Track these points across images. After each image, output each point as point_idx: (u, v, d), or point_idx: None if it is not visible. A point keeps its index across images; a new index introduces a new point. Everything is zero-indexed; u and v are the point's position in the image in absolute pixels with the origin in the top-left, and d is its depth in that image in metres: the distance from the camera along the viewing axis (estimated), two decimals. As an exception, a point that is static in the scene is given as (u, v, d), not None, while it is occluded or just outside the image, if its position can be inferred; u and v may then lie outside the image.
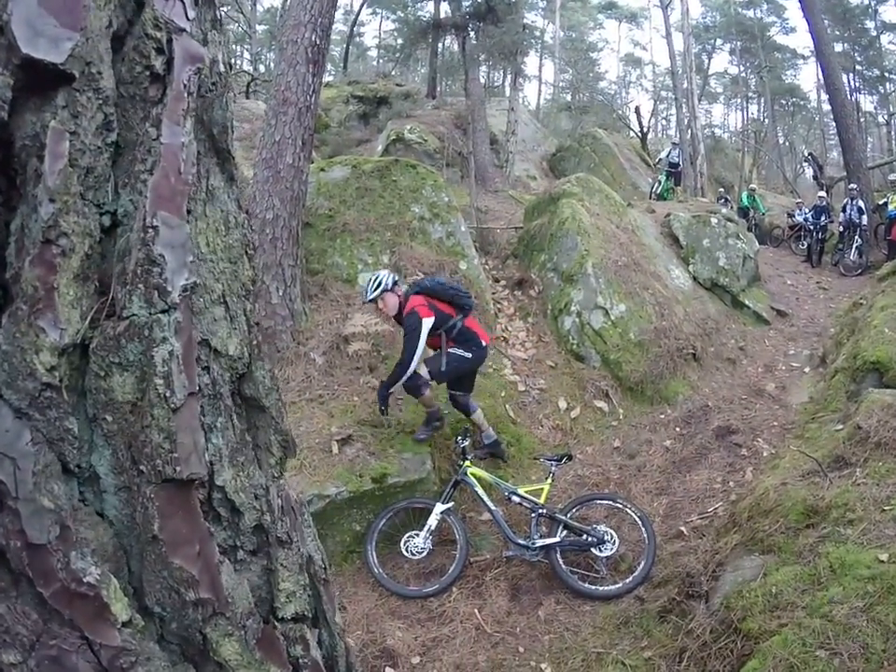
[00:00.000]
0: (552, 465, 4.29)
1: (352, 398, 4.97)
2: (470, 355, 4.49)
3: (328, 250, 6.29)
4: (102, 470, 0.79)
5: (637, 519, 4.10)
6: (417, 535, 4.11)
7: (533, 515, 4.11)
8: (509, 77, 18.38)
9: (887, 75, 30.49)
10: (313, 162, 8.15)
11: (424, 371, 4.37)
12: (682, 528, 4.34)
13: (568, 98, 31.76)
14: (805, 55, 27.37)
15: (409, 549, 4.12)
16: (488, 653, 3.52)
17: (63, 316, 0.72)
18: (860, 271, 11.32)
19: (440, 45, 17.03)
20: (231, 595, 0.87)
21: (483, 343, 4.60)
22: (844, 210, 12.31)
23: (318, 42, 5.82)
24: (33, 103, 0.72)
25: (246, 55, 29.28)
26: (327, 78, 25.41)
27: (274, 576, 0.99)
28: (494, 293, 7.16)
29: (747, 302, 8.24)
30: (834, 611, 2.48)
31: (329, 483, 4.13)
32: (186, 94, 0.85)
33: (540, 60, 36.91)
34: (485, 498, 4.17)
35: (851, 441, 3.81)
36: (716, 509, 4.45)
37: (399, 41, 13.33)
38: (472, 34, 12.30)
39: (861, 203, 12.04)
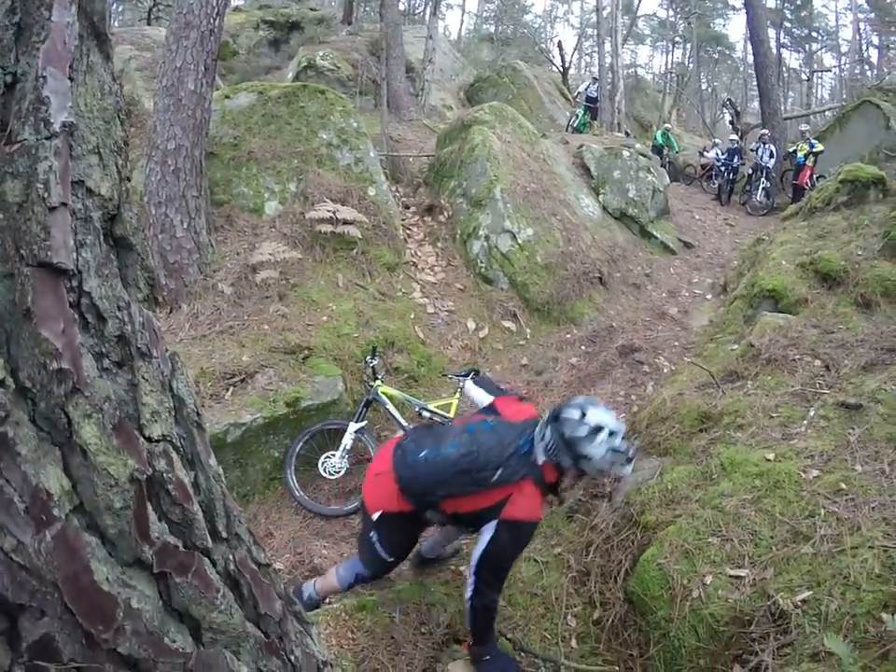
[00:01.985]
0: (459, 380, 4.26)
1: (262, 326, 4.83)
2: None
3: (233, 180, 5.98)
4: (-8, 261, 0.98)
5: None
6: (334, 455, 4.14)
7: None
8: (430, 4, 17.64)
9: (814, 34, 31.85)
10: (217, 90, 7.62)
11: None
12: None
13: (491, 29, 31.02)
14: (735, 6, 27.97)
15: (327, 469, 4.13)
16: (410, 559, 3.60)
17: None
18: (765, 211, 11.85)
19: None
20: (90, 377, 1.00)
21: None
22: (755, 152, 12.77)
23: None
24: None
25: (148, -22, 26.77)
26: (236, 2, 23.54)
27: (137, 390, 1.10)
28: (404, 219, 7.06)
29: (654, 233, 8.48)
30: (724, 503, 2.67)
31: (244, 410, 4.04)
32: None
33: None
34: (397, 415, 4.19)
35: (744, 358, 4.07)
36: (619, 418, 4.63)
37: None
38: None
39: (772, 148, 12.51)
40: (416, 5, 29.23)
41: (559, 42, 20.71)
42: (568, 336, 6.12)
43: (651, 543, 2.73)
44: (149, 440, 1.09)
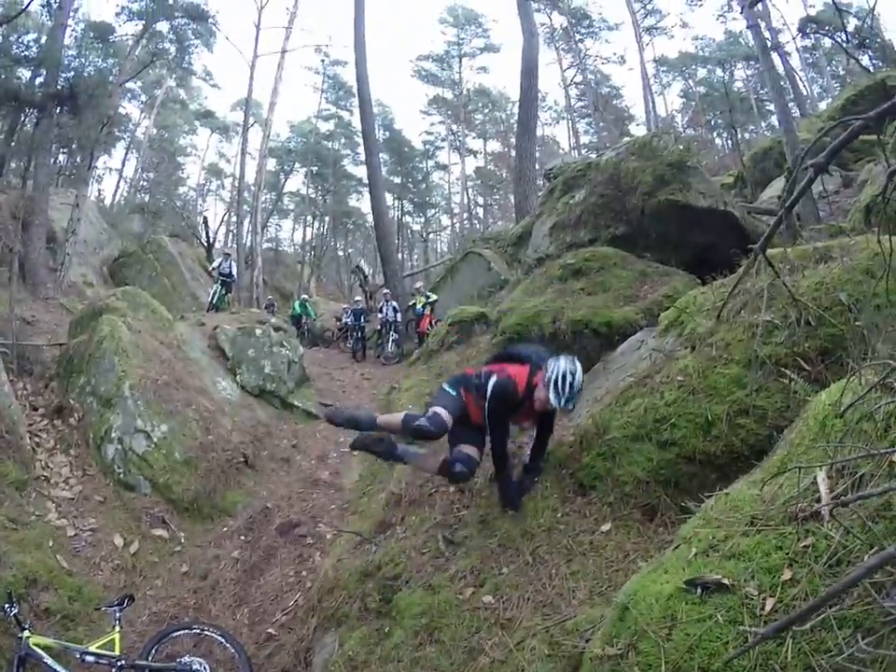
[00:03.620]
0: (115, 611, 4.02)
1: None
2: None
3: None
4: None
5: (219, 638, 4.11)
6: None
7: (113, 671, 3.71)
8: (80, 169, 16.80)
9: (431, 202, 40.03)
10: None
11: (476, 453, 3.76)
12: (270, 630, 4.43)
13: (146, 199, 30.59)
14: (367, 183, 33.43)
15: None
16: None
17: None
18: (397, 359, 13.26)
19: (22, 119, 14.44)
20: None
21: None
22: (381, 311, 14.84)
23: None
24: None
25: None
26: None
27: None
28: (31, 424, 6.39)
29: (296, 402, 9.00)
30: (401, 653, 2.86)
31: None
32: None
33: (126, 153, 34.60)
34: (59, 668, 3.60)
35: (389, 506, 4.35)
36: (296, 600, 4.61)
37: None
38: (50, 117, 10.90)
39: (394, 304, 14.62)
40: (75, 160, 26.95)
41: (205, 218, 21.97)
42: (225, 529, 5.97)
43: None
44: None
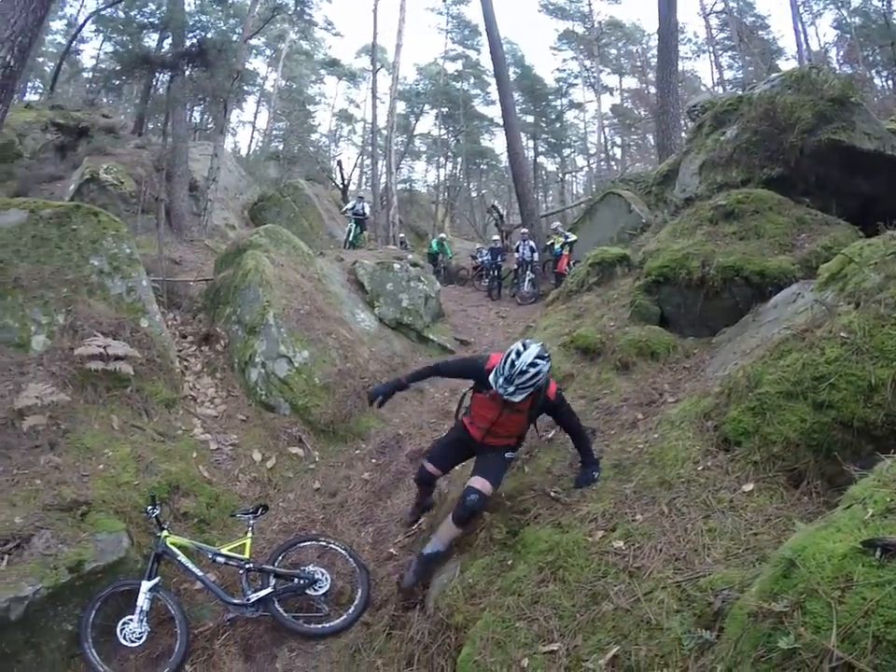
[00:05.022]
0: (249, 518, 4.24)
1: (34, 481, 4.24)
2: None
3: None
4: None
5: (342, 552, 4.28)
6: (131, 620, 3.71)
7: (241, 572, 3.99)
8: (217, 120, 18.02)
9: (566, 141, 37.91)
10: None
11: (489, 489, 3.57)
12: (392, 550, 4.56)
13: (280, 147, 32.10)
14: (499, 123, 32.33)
15: (127, 636, 3.68)
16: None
17: None
18: (533, 300, 13.10)
19: (155, 80, 15.86)
20: None
21: None
22: (517, 250, 14.46)
23: (12, 63, 5.11)
24: None
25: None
26: (31, 97, 21.65)
27: None
28: (181, 350, 6.83)
29: (431, 336, 9.17)
30: (523, 587, 2.82)
31: (24, 581, 3.48)
32: None
33: (258, 106, 36.65)
34: (191, 566, 3.94)
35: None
36: (420, 524, 4.69)
37: (116, 67, 12.08)
38: (182, 74, 11.78)
39: (531, 243, 14.19)
40: (208, 119, 29.32)
41: (339, 161, 22.49)
42: (357, 452, 6.19)
43: (465, 643, 2.80)
44: None
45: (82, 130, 15.59)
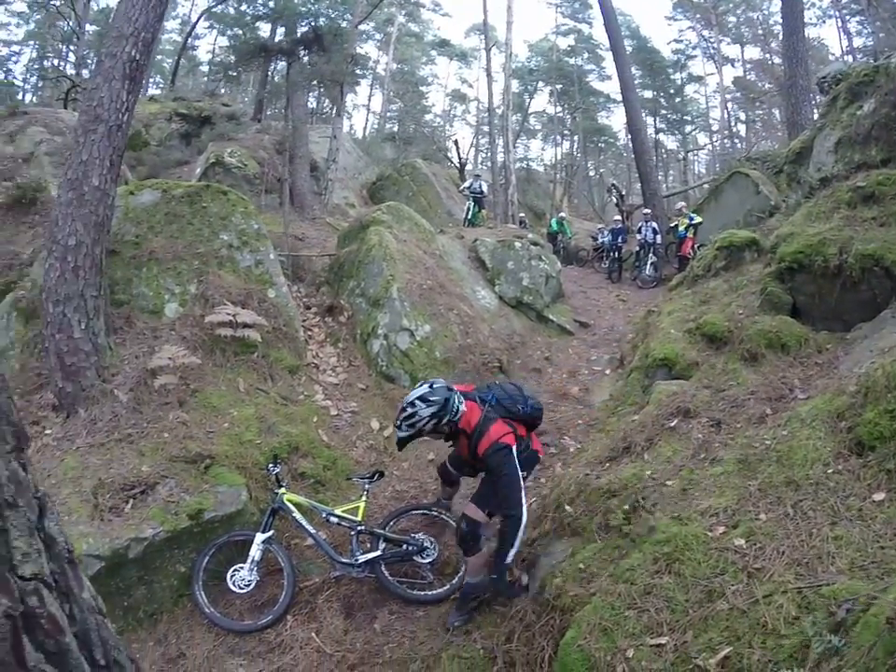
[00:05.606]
0: (364, 482, 4.34)
1: (162, 434, 4.62)
2: (526, 473, 3.69)
3: (133, 280, 5.87)
4: None
5: (452, 523, 4.26)
6: (242, 568, 3.97)
7: (353, 533, 4.11)
8: (335, 104, 18.64)
9: (687, 118, 35.53)
10: (126, 183, 7.48)
11: (481, 516, 3.59)
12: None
13: (395, 128, 32.62)
14: (616, 99, 30.76)
15: (236, 583, 3.95)
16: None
17: None
18: (654, 283, 12.62)
19: (271, 68, 16.82)
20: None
21: (540, 457, 4.00)
22: (639, 231, 13.78)
23: (138, 57, 5.42)
24: None
25: (72, 57, 26.15)
26: (153, 91, 23.80)
27: (8, 535, 1.13)
28: (305, 320, 7.08)
29: (551, 317, 8.89)
30: (636, 575, 2.73)
31: (145, 524, 3.83)
32: None
33: (371, 90, 37.63)
34: (305, 523, 4.10)
35: (639, 429, 4.19)
36: (531, 504, 4.59)
37: (232, 59, 13.00)
38: (299, 60, 12.38)
39: (654, 225, 13.55)
40: (324, 104, 30.58)
41: (455, 140, 22.40)
42: None
43: (570, 625, 2.73)
44: (22, 578, 1.15)
45: (204, 118, 16.76)
